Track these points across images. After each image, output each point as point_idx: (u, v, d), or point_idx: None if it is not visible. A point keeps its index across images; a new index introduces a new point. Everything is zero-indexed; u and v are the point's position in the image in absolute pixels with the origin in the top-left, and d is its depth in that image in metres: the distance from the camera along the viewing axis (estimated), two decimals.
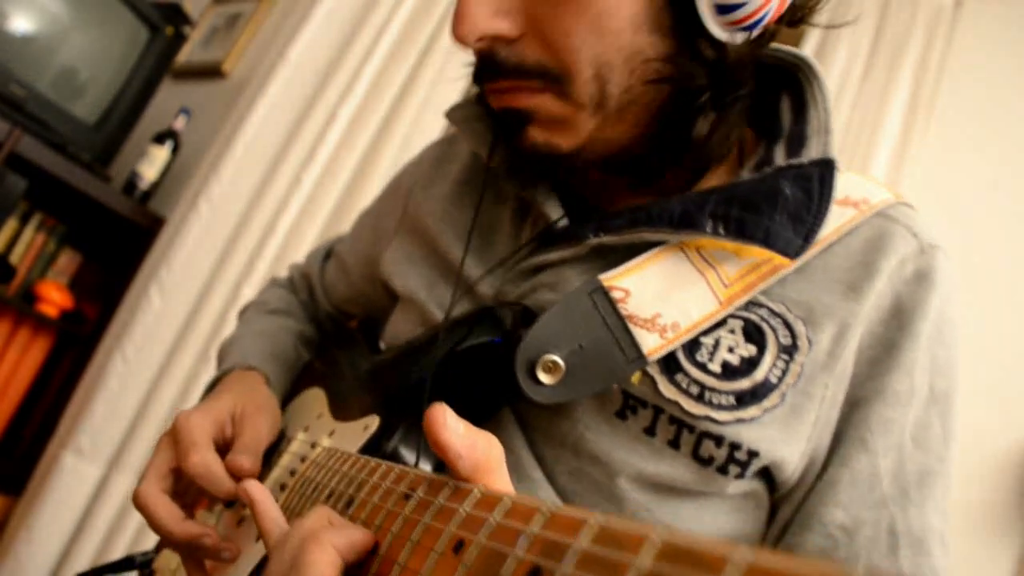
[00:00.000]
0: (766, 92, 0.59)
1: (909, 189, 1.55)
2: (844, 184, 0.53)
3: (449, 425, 0.33)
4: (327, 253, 0.84)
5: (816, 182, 0.50)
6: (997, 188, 1.53)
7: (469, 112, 0.62)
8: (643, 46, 0.48)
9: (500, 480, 0.35)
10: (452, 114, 0.64)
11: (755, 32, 0.49)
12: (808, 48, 1.71)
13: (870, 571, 0.17)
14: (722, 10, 0.47)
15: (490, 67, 0.50)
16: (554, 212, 0.56)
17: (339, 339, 0.80)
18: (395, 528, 0.35)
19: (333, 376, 0.69)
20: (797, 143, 0.54)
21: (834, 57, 1.66)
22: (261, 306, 0.82)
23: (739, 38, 0.49)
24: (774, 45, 0.59)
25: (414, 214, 0.68)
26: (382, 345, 0.70)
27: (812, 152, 0.53)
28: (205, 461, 0.53)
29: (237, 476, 0.54)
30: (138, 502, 0.53)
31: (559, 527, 0.27)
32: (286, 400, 0.71)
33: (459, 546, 0.30)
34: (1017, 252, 1.46)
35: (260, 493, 0.42)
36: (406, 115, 1.77)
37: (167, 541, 0.54)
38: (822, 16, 0.54)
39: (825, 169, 0.50)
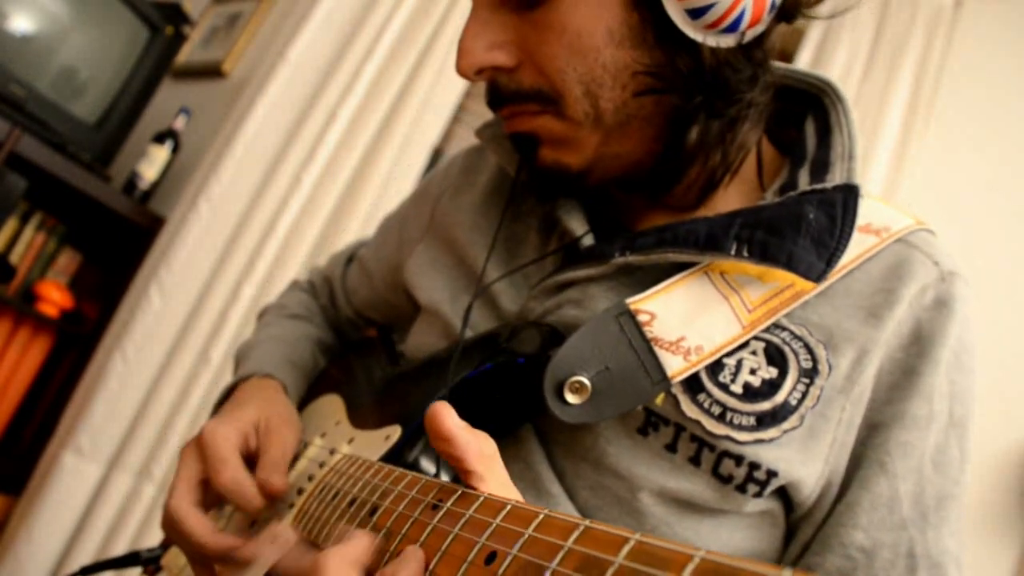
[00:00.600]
0: (791, 114, 0.60)
1: (909, 189, 1.55)
2: (866, 210, 0.54)
3: (453, 418, 0.36)
4: (349, 257, 0.85)
5: (840, 208, 0.50)
6: (997, 188, 1.53)
7: (497, 130, 0.64)
8: (627, 60, 0.50)
9: (501, 472, 0.37)
10: (481, 132, 0.66)
11: (743, 32, 0.49)
12: (808, 48, 1.71)
13: None
14: (694, 15, 0.47)
15: (494, 96, 0.54)
16: (579, 228, 0.57)
17: (358, 347, 0.80)
18: (423, 538, 0.35)
19: (351, 384, 0.69)
20: (821, 168, 0.55)
21: (834, 57, 1.66)
22: (281, 310, 0.82)
23: (726, 41, 0.49)
24: (800, 68, 0.61)
25: (441, 222, 0.69)
26: (400, 349, 0.69)
27: (836, 177, 0.53)
28: (237, 479, 0.53)
29: (267, 494, 0.55)
30: (171, 516, 0.53)
31: (597, 543, 0.26)
32: (301, 405, 0.71)
33: (491, 558, 0.30)
34: (1017, 251, 1.46)
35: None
36: (406, 115, 1.77)
37: (193, 555, 0.54)
38: (824, 7, 0.54)
39: (849, 195, 0.51)
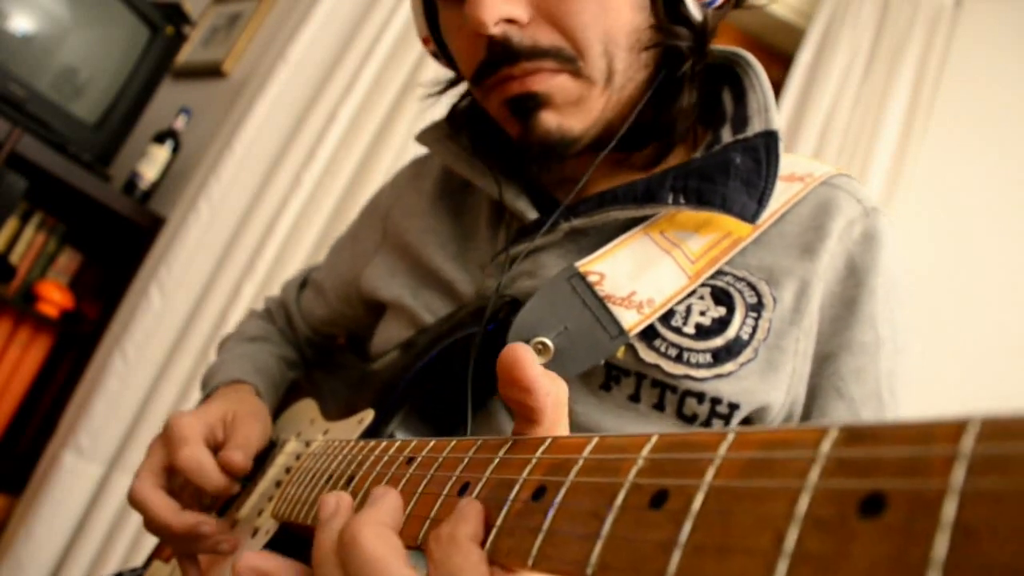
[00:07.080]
0: (709, 88, 0.64)
1: (909, 189, 1.55)
2: (789, 162, 0.59)
3: (535, 366, 0.30)
4: (303, 283, 0.87)
5: (763, 151, 0.55)
6: (997, 187, 1.53)
7: (438, 133, 0.68)
8: (638, 23, 0.54)
9: (565, 420, 0.33)
10: (423, 137, 0.69)
11: (716, 7, 0.56)
12: (809, 49, 1.71)
13: (845, 425, 0.19)
14: None
15: (504, 54, 0.53)
16: (527, 210, 0.60)
17: (322, 361, 0.83)
18: (399, 488, 0.35)
19: (322, 389, 0.71)
20: (741, 123, 0.58)
21: (834, 57, 1.66)
22: (240, 335, 0.83)
23: (709, 14, 0.55)
24: (712, 46, 0.65)
25: (394, 232, 0.71)
26: (368, 351, 0.71)
27: (756, 127, 0.57)
28: (195, 455, 0.54)
29: (228, 472, 0.56)
30: (133, 499, 0.54)
31: (563, 448, 0.28)
32: (276, 414, 0.72)
33: (464, 488, 0.31)
34: (1016, 250, 1.46)
35: None
36: (406, 115, 1.77)
37: (164, 538, 0.55)
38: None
39: (769, 139, 0.55)
